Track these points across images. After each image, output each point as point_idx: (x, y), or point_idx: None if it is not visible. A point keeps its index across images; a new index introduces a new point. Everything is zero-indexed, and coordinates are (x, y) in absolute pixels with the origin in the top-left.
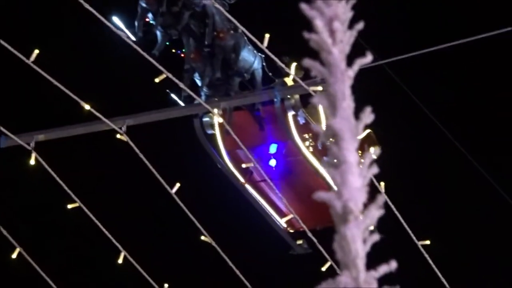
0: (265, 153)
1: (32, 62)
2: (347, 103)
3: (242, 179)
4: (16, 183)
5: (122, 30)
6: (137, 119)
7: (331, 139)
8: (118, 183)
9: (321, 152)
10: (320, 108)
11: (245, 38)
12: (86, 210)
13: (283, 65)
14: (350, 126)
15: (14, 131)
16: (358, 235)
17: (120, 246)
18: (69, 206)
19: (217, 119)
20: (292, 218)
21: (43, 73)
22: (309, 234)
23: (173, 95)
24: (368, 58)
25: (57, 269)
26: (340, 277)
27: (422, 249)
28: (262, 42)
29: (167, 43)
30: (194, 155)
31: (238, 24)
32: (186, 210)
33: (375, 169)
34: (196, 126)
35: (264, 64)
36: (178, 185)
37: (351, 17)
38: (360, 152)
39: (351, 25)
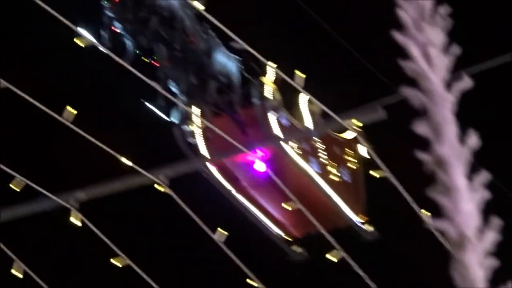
0: (251, 158)
1: (68, 121)
2: (451, 128)
3: (229, 187)
4: (60, 242)
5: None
6: (178, 169)
7: (436, 166)
8: (162, 233)
9: (307, 153)
10: (302, 107)
11: (218, 40)
12: (134, 265)
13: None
14: (456, 151)
15: (55, 191)
16: (476, 260)
17: None
18: (114, 262)
19: (197, 127)
20: (286, 224)
21: (81, 132)
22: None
23: (148, 104)
24: (467, 82)
25: None
26: None
27: None
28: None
29: (137, 52)
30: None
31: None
32: (235, 258)
33: (485, 193)
34: (177, 135)
35: (240, 66)
36: (221, 231)
37: (445, 41)
38: (349, 151)
39: (446, 49)
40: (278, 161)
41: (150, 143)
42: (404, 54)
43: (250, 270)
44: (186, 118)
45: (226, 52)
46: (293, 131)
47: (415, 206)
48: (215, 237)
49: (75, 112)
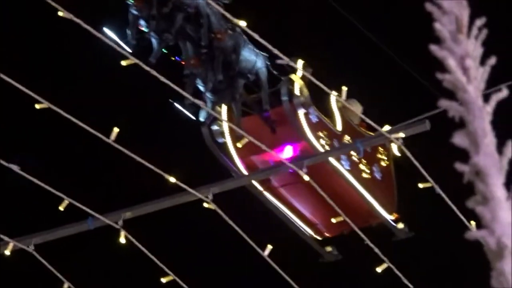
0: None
1: (113, 141)
2: (489, 139)
3: (260, 187)
4: (107, 262)
5: (116, 41)
6: (223, 186)
7: (476, 176)
8: (208, 251)
9: None
10: (334, 106)
11: (245, 37)
12: (181, 282)
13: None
14: (495, 161)
15: (101, 211)
16: None
17: None
18: (164, 280)
19: (226, 126)
20: (318, 225)
21: (125, 150)
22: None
23: (176, 104)
24: (504, 93)
25: None
26: None
27: None
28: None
29: (165, 50)
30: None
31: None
32: (281, 272)
33: None
34: (205, 135)
35: (268, 63)
36: (269, 247)
37: (482, 53)
38: (382, 149)
39: (482, 61)
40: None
41: (192, 161)
42: (442, 67)
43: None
44: (215, 118)
45: (253, 49)
46: (323, 128)
47: (462, 217)
48: (264, 254)
49: (117, 130)
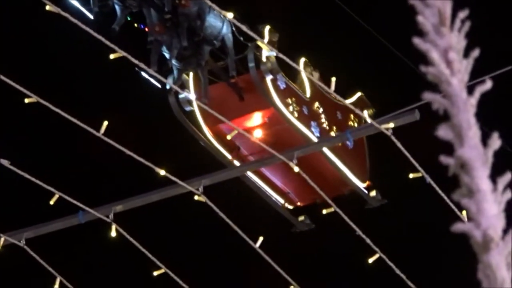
0: (249, 125)
1: (102, 134)
2: (473, 132)
3: (229, 156)
4: (98, 255)
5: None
6: (213, 178)
7: (460, 168)
8: (200, 243)
9: (307, 117)
10: (302, 73)
11: (209, 2)
12: (173, 275)
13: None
14: (479, 154)
15: (92, 205)
16: (502, 262)
17: None
18: (155, 273)
19: (193, 94)
20: (290, 193)
21: (115, 144)
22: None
23: (143, 73)
24: (488, 85)
25: None
26: None
27: None
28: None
29: (128, 18)
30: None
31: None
32: (273, 263)
33: (509, 194)
34: (172, 103)
35: (233, 28)
36: (261, 238)
37: (465, 45)
38: (354, 116)
39: (466, 53)
40: (277, 126)
41: (181, 154)
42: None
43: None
44: (181, 86)
45: (219, 15)
46: (292, 94)
47: (454, 208)
48: (256, 245)
49: (106, 123)
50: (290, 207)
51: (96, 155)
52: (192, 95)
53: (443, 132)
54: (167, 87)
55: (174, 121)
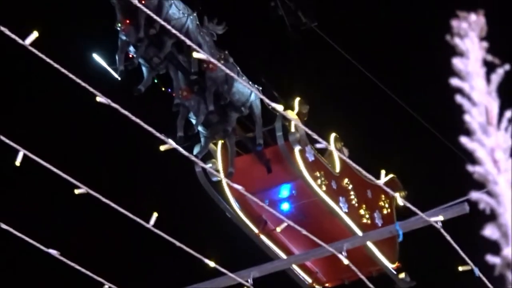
0: (276, 197)
1: (153, 226)
2: None
3: (255, 229)
4: None
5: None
6: (262, 270)
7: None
8: None
9: (336, 192)
10: (333, 147)
11: (238, 68)
12: None
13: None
14: None
15: None
16: None
17: None
18: None
19: (221, 164)
20: (318, 273)
21: (164, 235)
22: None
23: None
24: None
25: None
26: None
27: None
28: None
29: (155, 80)
30: None
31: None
32: None
33: None
34: (199, 173)
35: (262, 96)
36: None
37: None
38: (385, 197)
39: None
40: (305, 200)
41: (231, 245)
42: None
43: None
44: (209, 155)
45: (247, 81)
46: (320, 167)
47: None
48: None
49: (156, 214)
50: (318, 287)
51: (145, 247)
52: (221, 174)
53: (489, 231)
54: (194, 153)
55: (219, 209)
